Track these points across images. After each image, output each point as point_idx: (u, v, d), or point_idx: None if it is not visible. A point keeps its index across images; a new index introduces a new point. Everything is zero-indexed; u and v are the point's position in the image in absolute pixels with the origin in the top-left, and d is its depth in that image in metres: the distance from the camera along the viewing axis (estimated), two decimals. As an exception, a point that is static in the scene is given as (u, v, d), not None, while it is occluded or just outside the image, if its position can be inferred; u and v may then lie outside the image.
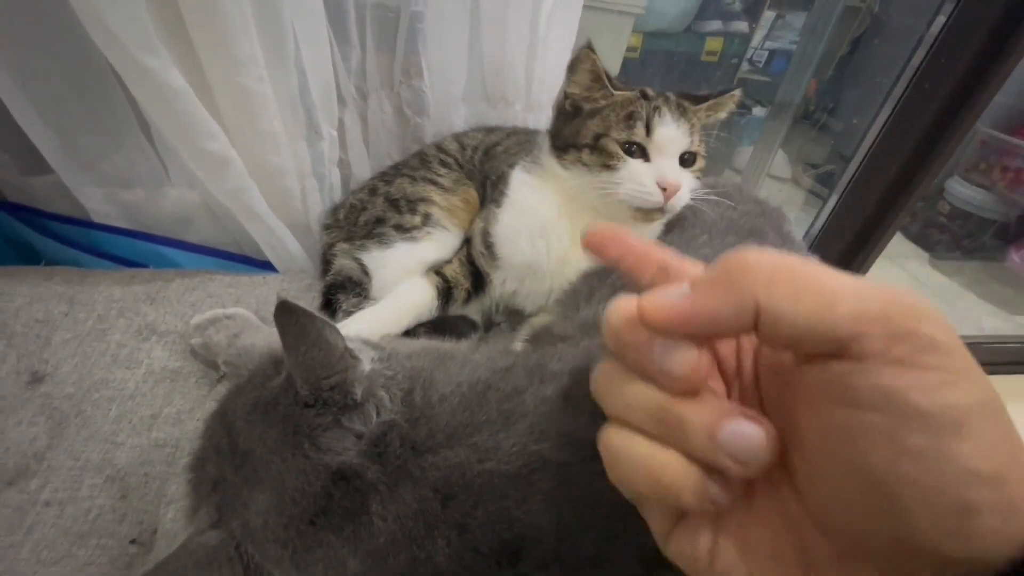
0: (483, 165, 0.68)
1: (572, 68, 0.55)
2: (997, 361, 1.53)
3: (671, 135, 0.52)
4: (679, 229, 0.58)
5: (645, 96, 0.55)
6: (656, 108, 0.53)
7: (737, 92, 0.57)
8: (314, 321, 0.37)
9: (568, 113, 0.57)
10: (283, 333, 0.37)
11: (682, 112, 0.54)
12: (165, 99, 0.53)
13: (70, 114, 0.66)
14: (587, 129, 0.55)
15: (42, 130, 0.65)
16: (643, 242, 0.26)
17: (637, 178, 0.53)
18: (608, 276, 0.55)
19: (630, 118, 0.53)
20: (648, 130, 0.52)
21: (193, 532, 0.34)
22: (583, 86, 0.55)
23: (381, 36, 0.76)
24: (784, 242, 0.57)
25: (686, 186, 0.54)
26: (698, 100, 0.56)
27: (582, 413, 0.35)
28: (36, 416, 0.50)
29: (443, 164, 0.70)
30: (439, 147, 0.73)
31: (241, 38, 0.54)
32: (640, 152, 0.53)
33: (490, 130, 0.75)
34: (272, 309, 0.67)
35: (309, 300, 0.67)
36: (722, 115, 0.59)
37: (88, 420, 0.50)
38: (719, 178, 0.70)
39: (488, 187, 0.65)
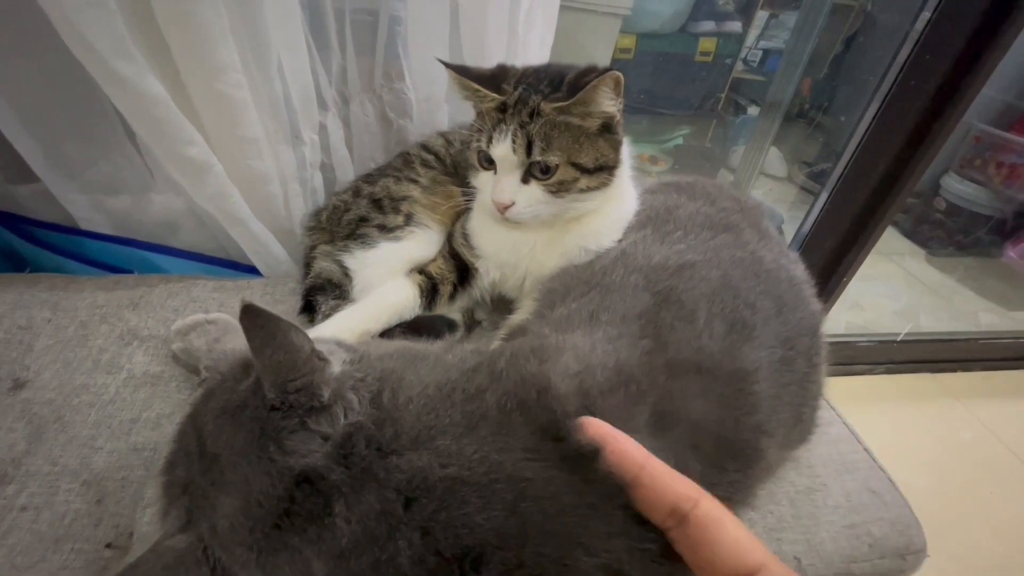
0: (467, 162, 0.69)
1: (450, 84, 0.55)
2: (993, 357, 1.53)
3: (503, 152, 0.52)
4: (653, 225, 0.58)
5: (503, 107, 0.52)
6: (500, 121, 0.52)
7: (604, 77, 0.49)
8: (279, 324, 0.37)
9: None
10: (249, 336, 0.37)
11: (529, 121, 0.51)
12: (143, 106, 0.54)
13: (54, 122, 0.67)
14: (469, 137, 0.56)
15: (26, 139, 0.66)
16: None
17: (483, 189, 0.56)
18: (583, 275, 0.55)
19: (481, 130, 0.53)
20: (488, 143, 0.53)
21: (163, 536, 0.34)
22: (463, 95, 0.56)
23: (361, 40, 0.77)
24: (760, 237, 0.57)
25: (523, 201, 0.53)
26: (576, 90, 0.50)
27: (536, 419, 0.35)
28: (15, 422, 0.50)
29: (424, 164, 0.70)
30: (423, 146, 0.73)
31: (218, 45, 0.54)
32: (492, 163, 0.54)
33: (477, 129, 0.76)
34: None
35: (294, 303, 0.67)
36: (605, 106, 0.51)
37: (67, 425, 0.51)
38: (696, 176, 0.70)
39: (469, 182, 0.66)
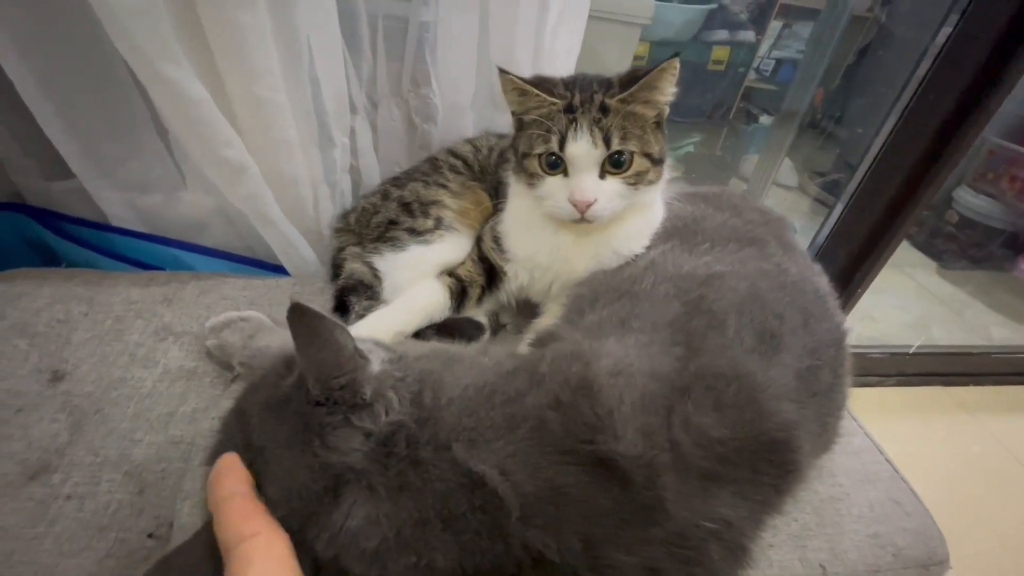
0: (497, 168, 0.70)
1: (503, 91, 0.56)
2: (1006, 371, 1.53)
3: (582, 150, 0.52)
4: (680, 237, 0.59)
5: (569, 108, 0.53)
6: (572, 121, 0.52)
7: (670, 63, 0.51)
8: (324, 322, 0.39)
9: (517, 127, 0.59)
10: (295, 334, 0.38)
11: (602, 116, 0.52)
12: (185, 108, 0.55)
13: (92, 122, 0.69)
14: (518, 144, 0.57)
15: (65, 137, 0.68)
16: None
17: (552, 195, 0.55)
18: (612, 281, 0.56)
19: (548, 132, 0.53)
20: (562, 145, 0.53)
21: (207, 523, 0.35)
22: (515, 102, 0.57)
23: (391, 46, 0.78)
24: (785, 251, 0.58)
25: (604, 198, 0.53)
26: (634, 81, 0.52)
27: (576, 423, 0.36)
28: (57, 413, 0.52)
29: (452, 169, 0.71)
30: (451, 152, 0.75)
31: (258, 50, 0.56)
32: (560, 164, 0.54)
33: (502, 136, 0.77)
34: (284, 312, 0.68)
35: (321, 303, 0.69)
36: (667, 94, 0.53)
37: (107, 417, 0.52)
38: (723, 187, 0.71)
39: (500, 188, 0.67)
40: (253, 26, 0.54)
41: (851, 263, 1.24)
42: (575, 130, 0.52)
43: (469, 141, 0.77)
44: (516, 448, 0.35)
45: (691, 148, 2.64)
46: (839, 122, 2.39)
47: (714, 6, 2.41)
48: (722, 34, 2.49)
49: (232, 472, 0.35)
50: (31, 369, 0.56)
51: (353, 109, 0.75)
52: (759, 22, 2.51)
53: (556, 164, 0.54)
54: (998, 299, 1.90)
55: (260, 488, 0.35)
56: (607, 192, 0.53)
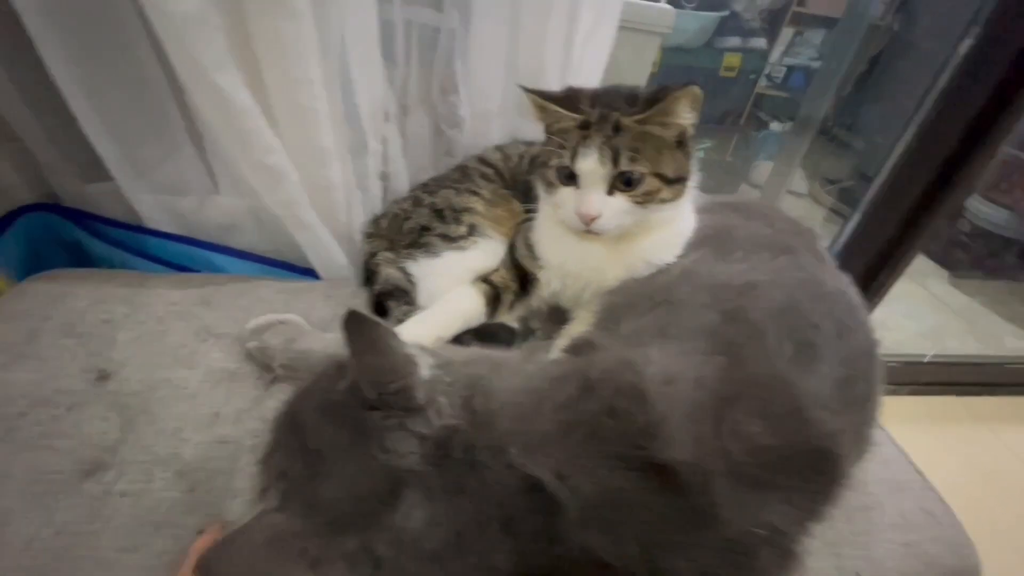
0: (528, 174, 0.71)
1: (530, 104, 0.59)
2: (1019, 382, 1.53)
3: (590, 166, 0.54)
4: (712, 245, 0.60)
5: (585, 124, 0.55)
6: (585, 137, 0.54)
7: (685, 90, 0.51)
8: (379, 329, 0.40)
9: (546, 137, 0.60)
10: (350, 340, 0.39)
11: (614, 135, 0.53)
12: (232, 116, 0.57)
13: (131, 125, 0.70)
14: (542, 153, 0.59)
15: (106, 140, 0.69)
16: None
17: (564, 204, 0.57)
18: (646, 290, 0.57)
19: (562, 147, 0.55)
20: (573, 159, 0.55)
21: (263, 511, 0.36)
22: (539, 116, 0.59)
23: (422, 53, 0.80)
24: (817, 261, 0.59)
25: (609, 213, 0.55)
26: (653, 103, 0.53)
27: (630, 429, 0.37)
28: (107, 412, 0.53)
29: (484, 177, 0.73)
30: (481, 159, 0.76)
31: (303, 60, 0.57)
32: (574, 177, 0.56)
33: (531, 144, 0.78)
34: (319, 315, 0.70)
35: (355, 306, 0.69)
36: (683, 118, 0.54)
37: (155, 417, 0.53)
38: (750, 197, 0.72)
39: (531, 195, 0.68)
40: (300, 36, 0.55)
41: (867, 274, 1.24)
42: (585, 147, 0.54)
43: (499, 148, 0.78)
44: (572, 453, 0.36)
45: (701, 154, 2.64)
46: (850, 129, 2.40)
47: (727, 13, 2.43)
48: (735, 41, 2.51)
49: None
50: (78, 368, 0.57)
51: (385, 116, 0.76)
52: (771, 29, 2.53)
53: (570, 176, 0.56)
54: (1012, 309, 1.89)
55: (314, 492, 0.36)
56: (612, 208, 0.55)
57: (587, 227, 0.56)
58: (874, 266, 1.23)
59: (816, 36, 2.55)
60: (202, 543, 0.41)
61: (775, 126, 2.59)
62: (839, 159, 2.47)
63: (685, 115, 0.54)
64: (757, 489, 0.36)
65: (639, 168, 0.54)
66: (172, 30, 0.50)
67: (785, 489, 0.37)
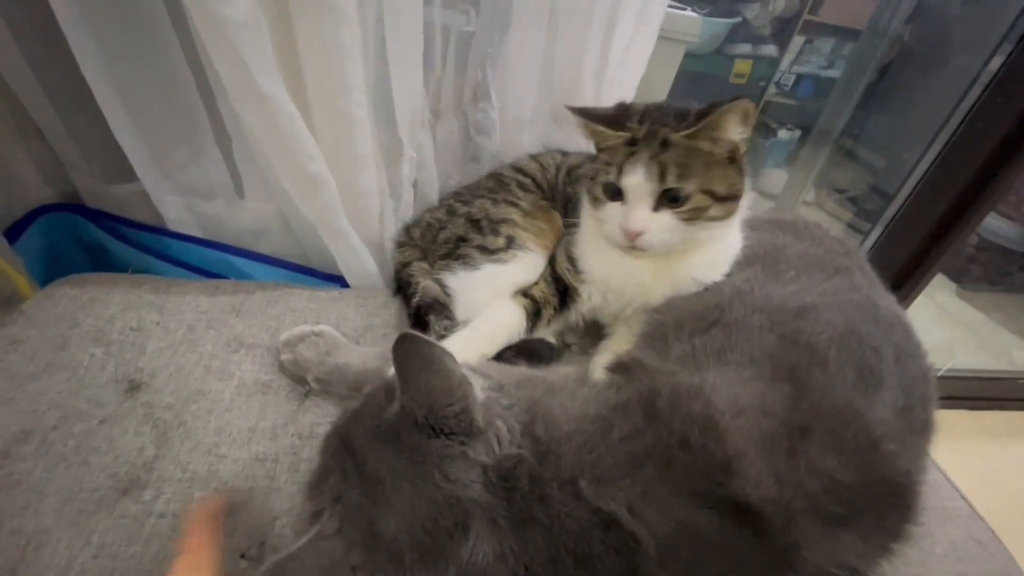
0: (566, 186, 0.70)
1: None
2: (1030, 397, 1.53)
3: (636, 182, 0.53)
4: (762, 264, 0.59)
5: (632, 141, 0.54)
6: (632, 154, 0.53)
7: (735, 104, 0.50)
8: (434, 349, 0.38)
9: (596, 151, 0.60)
10: (402, 363, 0.38)
11: (661, 151, 0.52)
12: (275, 122, 0.55)
13: (160, 128, 0.69)
14: (590, 168, 0.59)
15: (135, 141, 0.68)
16: None
17: (609, 219, 0.56)
18: (695, 309, 0.55)
19: (608, 164, 0.55)
20: (619, 175, 0.54)
21: (317, 534, 0.35)
22: (585, 135, 0.59)
23: (458, 58, 0.78)
24: (868, 282, 0.58)
25: (655, 230, 0.54)
26: (702, 117, 0.52)
27: (706, 464, 0.35)
28: (141, 425, 0.51)
29: (521, 187, 0.71)
30: (517, 168, 0.75)
31: (350, 65, 0.55)
32: (620, 194, 0.55)
33: (566, 153, 0.77)
34: (351, 325, 0.68)
35: (387, 317, 0.68)
36: (733, 134, 0.53)
37: (190, 431, 0.52)
38: (790, 214, 0.71)
39: (570, 207, 0.67)
40: (347, 42, 0.54)
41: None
42: (631, 163, 0.53)
43: (534, 158, 0.77)
44: (645, 488, 0.35)
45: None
46: (858, 139, 2.40)
47: (738, 20, 2.43)
48: (745, 48, 2.51)
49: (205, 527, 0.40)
50: (108, 379, 0.55)
51: (422, 122, 0.75)
52: (781, 37, 2.53)
53: (617, 192, 0.55)
54: (1020, 323, 1.90)
55: (374, 520, 0.35)
56: (658, 225, 0.54)
57: (632, 243, 0.55)
58: (895, 282, 1.23)
59: (826, 45, 2.55)
60: (203, 508, 0.41)
61: (783, 134, 2.59)
62: (845, 169, 2.48)
63: (735, 130, 0.53)
64: (836, 527, 0.35)
65: (687, 184, 0.53)
66: (220, 35, 0.48)
67: (862, 527, 0.36)
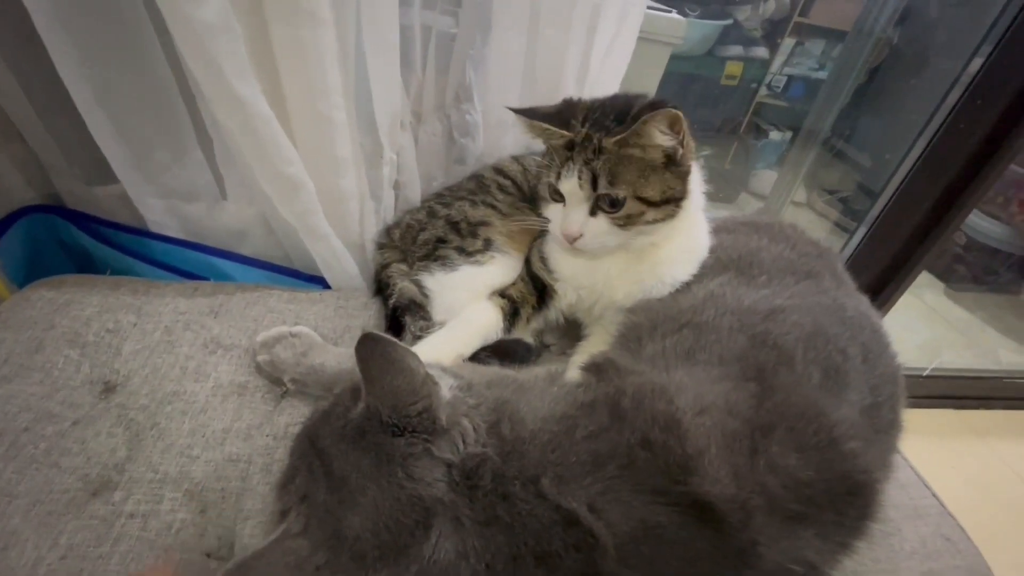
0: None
1: None
2: (1014, 396, 1.54)
3: (570, 187, 0.54)
4: (736, 268, 0.59)
5: (570, 144, 0.54)
6: (568, 159, 0.53)
7: (658, 113, 0.49)
8: (397, 349, 0.39)
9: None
10: (365, 363, 0.38)
11: (594, 157, 0.52)
12: (253, 126, 0.55)
13: (141, 130, 0.68)
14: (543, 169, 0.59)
15: (115, 143, 0.67)
16: None
17: (552, 220, 0.58)
18: (669, 311, 0.56)
19: (550, 165, 0.56)
20: (558, 178, 0.55)
21: (283, 533, 0.35)
22: (531, 135, 0.59)
23: (439, 60, 0.78)
24: (838, 284, 0.58)
25: (589, 234, 0.55)
26: (631, 122, 0.51)
27: (667, 463, 0.36)
28: (114, 427, 0.51)
29: (501, 189, 0.71)
30: (498, 170, 0.75)
31: (325, 69, 0.56)
32: (561, 195, 0.56)
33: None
34: (330, 326, 0.68)
35: (366, 318, 0.69)
36: (661, 140, 0.51)
37: (163, 433, 0.52)
38: (767, 216, 0.71)
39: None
40: (322, 45, 0.54)
41: (872, 289, 1.24)
42: (567, 168, 0.54)
43: (516, 160, 0.77)
44: (606, 486, 0.35)
45: (700, 161, 2.66)
46: (847, 139, 2.42)
47: (729, 22, 2.44)
48: (736, 49, 2.52)
49: None
50: (83, 380, 0.55)
51: (401, 124, 0.75)
52: (772, 39, 2.54)
53: (558, 193, 0.56)
54: (1005, 322, 1.91)
55: (339, 519, 0.35)
56: (593, 229, 0.55)
57: (570, 244, 0.56)
58: (879, 281, 1.24)
59: (816, 47, 2.57)
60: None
61: (775, 135, 2.61)
62: (834, 169, 2.49)
63: (661, 138, 0.52)
64: (795, 524, 0.36)
65: (617, 192, 0.53)
66: (193, 37, 0.49)
67: (820, 524, 0.37)
